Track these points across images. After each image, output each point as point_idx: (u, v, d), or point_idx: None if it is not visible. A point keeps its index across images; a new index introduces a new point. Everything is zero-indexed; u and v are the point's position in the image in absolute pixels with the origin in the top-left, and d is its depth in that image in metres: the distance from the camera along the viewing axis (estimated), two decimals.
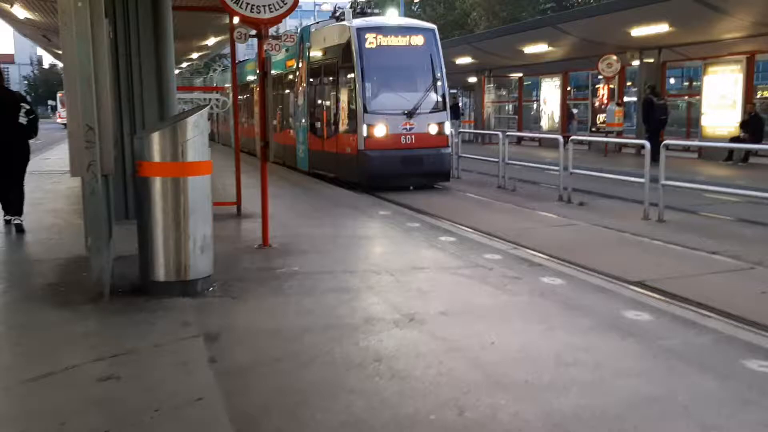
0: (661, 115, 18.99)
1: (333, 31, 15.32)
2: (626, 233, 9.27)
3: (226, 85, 23.25)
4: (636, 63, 21.76)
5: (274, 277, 6.44)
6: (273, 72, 16.26)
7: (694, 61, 21.10)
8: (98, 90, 5.54)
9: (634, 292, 6.16)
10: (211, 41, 20.13)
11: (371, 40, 14.06)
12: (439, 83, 14.56)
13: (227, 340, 4.74)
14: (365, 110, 13.84)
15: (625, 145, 19.96)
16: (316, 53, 16.05)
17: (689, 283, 6.74)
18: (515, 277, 6.41)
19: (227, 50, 46.04)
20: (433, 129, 14.09)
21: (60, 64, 73.78)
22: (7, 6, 13.83)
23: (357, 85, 13.89)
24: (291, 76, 18.02)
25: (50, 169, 15.81)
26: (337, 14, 16.69)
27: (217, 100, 12.06)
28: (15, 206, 8.93)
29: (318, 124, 15.82)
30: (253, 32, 7.46)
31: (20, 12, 14.24)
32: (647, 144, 10.78)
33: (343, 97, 14.62)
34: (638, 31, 18.96)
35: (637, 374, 4.10)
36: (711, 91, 19.24)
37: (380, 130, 13.73)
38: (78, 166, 5.52)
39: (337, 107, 14.76)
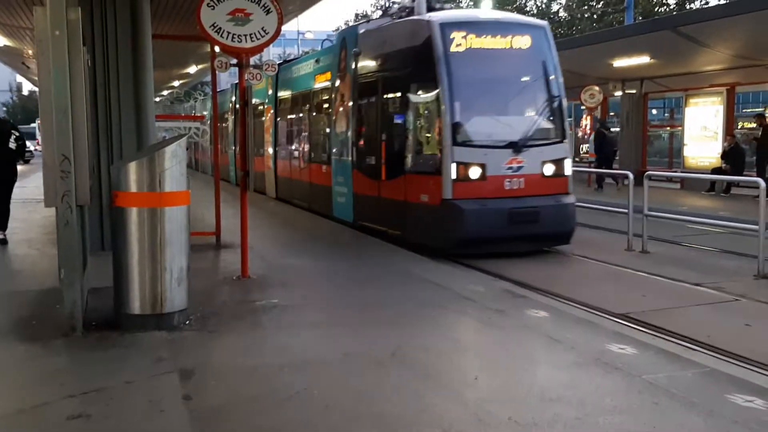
0: (612, 147, 20.21)
1: (399, 30, 10.85)
2: (610, 265, 9.23)
3: (205, 113, 22.95)
4: (618, 94, 21.97)
5: (252, 311, 6.31)
6: (290, 92, 15.80)
7: (676, 93, 21.33)
8: (75, 119, 5.44)
9: (618, 324, 6.10)
10: (192, 69, 20.12)
11: (460, 41, 9.70)
12: (555, 102, 10.18)
13: (202, 376, 4.60)
14: (454, 141, 9.35)
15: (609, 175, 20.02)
16: (368, 62, 11.49)
17: (673, 315, 6.69)
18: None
19: (209, 77, 46.52)
20: (548, 169, 9.78)
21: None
22: None
23: (440, 106, 9.46)
24: (323, 95, 13.76)
25: (26, 197, 15.48)
26: (392, 11, 12.26)
27: (197, 128, 11.88)
28: (2, 221, 10.09)
29: (371, 160, 11.12)
30: (234, 61, 7.40)
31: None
32: (630, 174, 10.80)
33: (416, 122, 10.24)
34: (620, 63, 19.16)
35: (621, 411, 4.01)
36: (692, 122, 19.42)
37: (475, 172, 9.35)
38: (52, 196, 5.40)
39: (405, 137, 10.23)
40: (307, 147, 14.88)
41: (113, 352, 5.09)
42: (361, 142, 11.70)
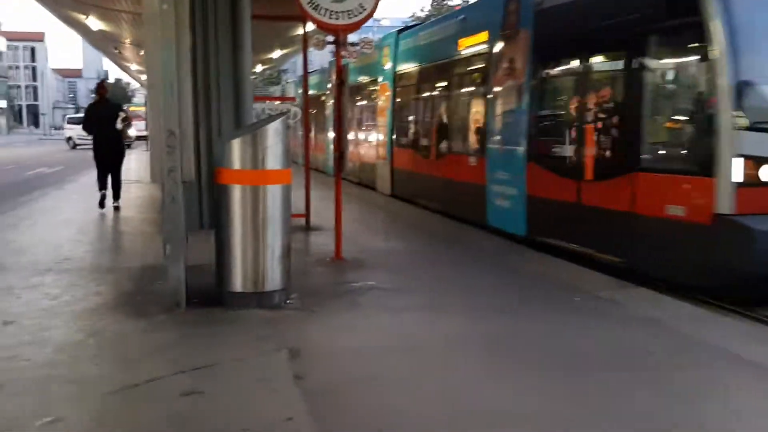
0: None
1: None
2: None
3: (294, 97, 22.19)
4: None
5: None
6: (417, 64, 12.52)
7: None
8: (180, 95, 5.43)
9: None
10: (276, 54, 20.21)
11: None
12: None
13: (310, 356, 4.52)
14: (739, 121, 6.02)
15: None
16: (557, 13, 8.34)
17: None
18: None
19: (285, 66, 46.33)
20: None
21: (125, 78, 76.22)
22: (82, 17, 14.09)
23: (713, 66, 6.12)
24: (472, 64, 10.55)
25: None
26: None
27: (288, 111, 11.82)
28: (115, 192, 11.64)
29: (563, 150, 8.08)
30: (331, 39, 7.30)
31: (94, 23, 14.50)
32: None
33: (656, 92, 6.93)
34: None
35: None
36: None
37: None
38: (158, 172, 5.41)
39: (634, 115, 6.85)
40: (442, 132, 11.74)
41: (218, 329, 5.07)
42: (545, 125, 8.59)
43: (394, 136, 14.07)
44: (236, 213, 5.53)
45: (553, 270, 7.26)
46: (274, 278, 5.64)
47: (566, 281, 6.76)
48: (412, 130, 13.51)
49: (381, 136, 14.82)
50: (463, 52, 10.83)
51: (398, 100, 13.98)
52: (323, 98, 19.98)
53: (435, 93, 12.34)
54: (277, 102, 13.63)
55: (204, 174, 7.06)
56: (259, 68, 25.90)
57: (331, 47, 7.71)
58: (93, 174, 11.99)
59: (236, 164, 5.50)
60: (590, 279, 6.86)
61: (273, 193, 5.56)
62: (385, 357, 4.51)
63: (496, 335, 5.00)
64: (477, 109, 10.43)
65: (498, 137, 9.39)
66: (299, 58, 18.02)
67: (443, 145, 11.73)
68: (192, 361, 4.33)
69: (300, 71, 24.10)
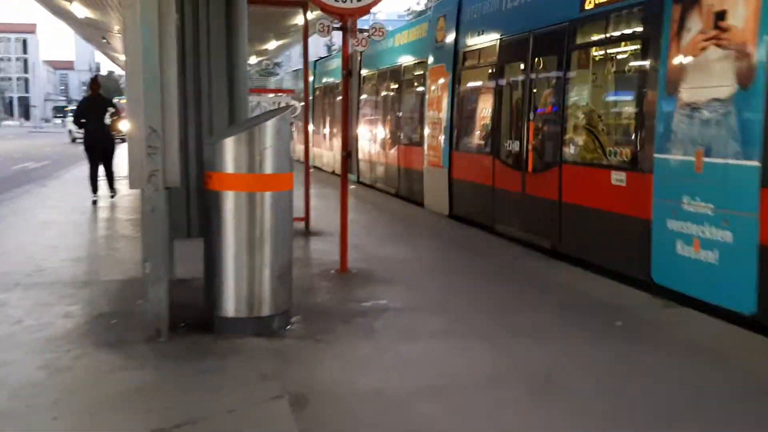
0: None
1: None
2: None
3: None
4: None
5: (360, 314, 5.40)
6: (498, 35, 8.94)
7: None
8: (164, 87, 4.59)
9: None
10: (272, 45, 19.30)
11: None
12: None
13: (319, 404, 3.70)
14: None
15: None
16: None
17: None
18: None
19: (280, 58, 45.33)
20: None
21: (117, 71, 74.50)
22: (66, 4, 13.21)
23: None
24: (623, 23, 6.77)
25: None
26: None
27: (286, 103, 10.91)
28: (110, 183, 12.06)
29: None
30: (338, 24, 6.47)
31: (79, 10, 13.61)
32: None
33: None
34: None
35: None
36: None
37: None
38: (138, 177, 4.59)
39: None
40: (550, 135, 7.98)
41: (206, 365, 4.25)
42: None
43: (457, 137, 10.49)
44: (229, 224, 4.71)
45: (580, 282, 6.54)
46: (273, 301, 4.83)
47: (598, 296, 6.00)
48: (483, 129, 9.92)
49: (433, 135, 11.23)
50: (594, 10, 7.00)
51: (459, 87, 10.46)
52: (333, 89, 18.25)
53: (534, 76, 8.32)
54: (273, 94, 12.61)
55: (193, 175, 6.25)
56: (253, 60, 25.01)
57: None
58: (79, 170, 11.19)
59: (229, 167, 4.68)
60: (619, 292, 6.13)
61: (272, 201, 4.75)
62: (414, 403, 3.70)
63: (542, 372, 4.20)
64: (625, 98, 7.00)
65: (669, 142, 5.88)
66: (293, 51, 17.09)
67: (543, 151, 8.12)
68: (172, 414, 3.52)
69: (294, 64, 23.07)
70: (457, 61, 10.35)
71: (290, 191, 4.94)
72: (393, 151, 13.64)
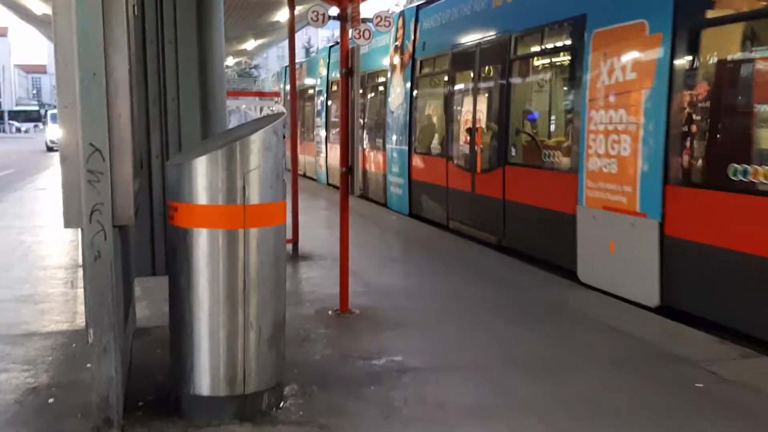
0: None
1: None
2: None
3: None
4: None
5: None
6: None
7: None
8: (112, 90, 3.38)
9: None
10: (250, 45, 18.08)
11: None
12: None
13: None
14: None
15: None
16: None
17: None
18: None
19: (256, 60, 43.76)
20: None
21: None
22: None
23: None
24: None
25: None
26: None
27: (270, 110, 9.60)
28: None
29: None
30: (336, 12, 5.29)
31: (37, 6, 12.32)
32: None
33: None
34: None
35: None
36: None
37: None
38: (75, 213, 3.38)
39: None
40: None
41: None
42: None
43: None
44: (201, 272, 3.52)
45: (615, 313, 5.45)
46: (260, 373, 3.64)
47: (653, 340, 4.96)
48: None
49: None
50: None
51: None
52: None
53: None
54: (258, 98, 11.32)
55: (157, 200, 5.05)
56: (230, 61, 23.74)
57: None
58: (44, 180, 9.92)
59: (202, 197, 3.49)
60: (662, 330, 5.10)
61: (260, 240, 3.57)
62: None
63: None
64: None
65: None
66: (271, 52, 16.02)
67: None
68: None
69: (273, 66, 21.70)
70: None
71: (282, 225, 3.76)
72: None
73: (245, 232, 3.53)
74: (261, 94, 14.54)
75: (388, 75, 12.29)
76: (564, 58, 7.58)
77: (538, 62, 8.35)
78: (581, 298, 6.24)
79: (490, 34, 8.78)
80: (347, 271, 5.58)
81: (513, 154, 8.38)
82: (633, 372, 4.43)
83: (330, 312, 5.60)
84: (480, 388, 4.10)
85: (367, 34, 5.35)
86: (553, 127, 8.14)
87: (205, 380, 3.58)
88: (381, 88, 13.20)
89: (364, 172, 13.51)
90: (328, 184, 16.16)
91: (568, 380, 4.24)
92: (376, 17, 5.40)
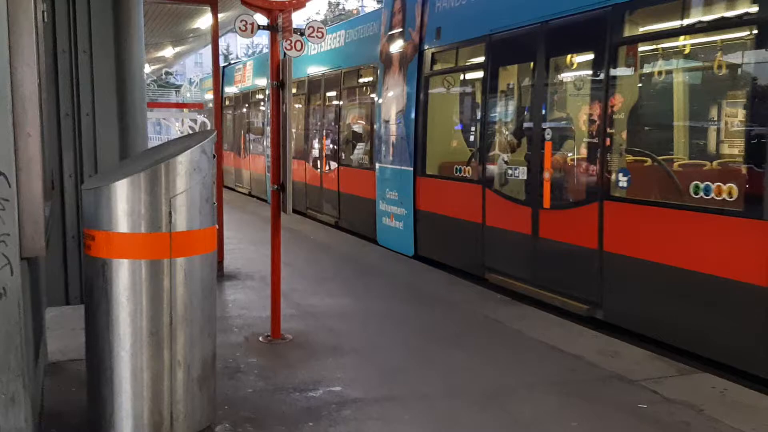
0: None
1: None
2: None
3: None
4: None
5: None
6: None
7: None
8: (18, 107, 3.01)
9: None
10: (168, 52, 17.47)
11: None
12: None
13: None
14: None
15: None
16: None
17: None
18: None
19: (173, 68, 42.50)
20: None
21: None
22: None
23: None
24: None
25: None
26: None
27: (192, 121, 9.14)
28: None
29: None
30: (266, 22, 5.00)
31: None
32: None
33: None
34: None
35: None
36: None
37: None
38: None
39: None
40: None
41: None
42: None
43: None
44: (122, 308, 3.20)
45: (554, 332, 5.39)
46: (190, 416, 3.34)
47: (592, 357, 4.87)
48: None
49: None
50: None
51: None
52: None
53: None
54: (184, 110, 10.80)
55: (70, 223, 4.63)
56: (147, 69, 22.95)
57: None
58: None
59: (122, 224, 3.16)
60: (599, 347, 5.04)
61: (189, 272, 3.27)
62: None
63: None
64: None
65: None
66: (188, 60, 15.58)
67: None
68: None
69: (189, 73, 21.02)
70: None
71: (212, 253, 3.46)
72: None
73: (171, 263, 3.22)
74: (182, 106, 13.93)
75: (378, 73, 9.67)
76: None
77: (681, 44, 5.54)
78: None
79: (574, 7, 6.06)
80: (279, 297, 5.28)
81: (620, 181, 5.71)
82: (577, 395, 4.31)
83: (261, 338, 5.28)
84: (425, 422, 3.89)
85: (299, 45, 5.09)
86: (707, 142, 5.77)
87: (127, 426, 3.25)
88: (365, 90, 10.73)
89: (339, 195, 11.15)
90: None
91: (514, 408, 4.08)
92: (309, 27, 5.14)
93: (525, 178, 6.77)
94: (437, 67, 8.49)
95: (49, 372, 4.39)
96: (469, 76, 8.29)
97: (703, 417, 3.97)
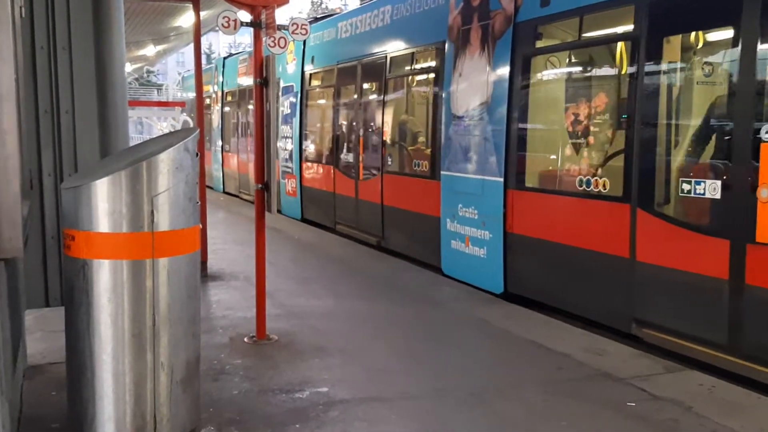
0: None
1: None
2: None
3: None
4: None
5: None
6: None
7: None
8: None
9: None
10: (150, 50, 17.33)
11: None
12: None
13: None
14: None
15: None
16: None
17: None
18: None
19: (155, 67, 42.21)
20: None
21: None
22: None
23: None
24: None
25: None
26: None
27: (174, 120, 9.04)
28: None
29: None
30: (248, 19, 4.94)
31: None
32: None
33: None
34: None
35: None
36: None
37: None
38: None
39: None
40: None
41: None
42: None
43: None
44: (103, 309, 3.13)
45: (540, 330, 5.49)
46: (173, 419, 3.27)
47: (579, 355, 4.87)
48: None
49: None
50: None
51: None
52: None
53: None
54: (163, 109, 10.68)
55: (50, 224, 4.54)
56: (128, 68, 22.75)
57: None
58: None
59: (103, 224, 3.09)
60: (586, 345, 5.06)
61: (172, 272, 3.20)
62: None
63: None
64: None
65: None
66: (170, 59, 15.46)
67: None
68: None
69: (171, 72, 20.87)
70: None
71: (196, 253, 3.39)
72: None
73: (153, 263, 3.15)
74: (165, 104, 13.77)
75: (445, 56, 7.62)
76: None
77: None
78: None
79: None
80: (264, 297, 5.21)
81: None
82: (565, 394, 4.29)
83: (246, 339, 5.22)
84: (412, 423, 3.84)
85: (282, 42, 5.03)
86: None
87: (109, 430, 3.18)
88: (423, 78, 8.92)
89: (383, 209, 9.11)
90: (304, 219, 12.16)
91: (502, 408, 4.05)
92: (293, 24, 5.08)
93: (720, 198, 4.60)
94: (545, 43, 6.43)
95: (28, 375, 4.30)
96: (595, 53, 6.25)
97: (692, 414, 3.96)
